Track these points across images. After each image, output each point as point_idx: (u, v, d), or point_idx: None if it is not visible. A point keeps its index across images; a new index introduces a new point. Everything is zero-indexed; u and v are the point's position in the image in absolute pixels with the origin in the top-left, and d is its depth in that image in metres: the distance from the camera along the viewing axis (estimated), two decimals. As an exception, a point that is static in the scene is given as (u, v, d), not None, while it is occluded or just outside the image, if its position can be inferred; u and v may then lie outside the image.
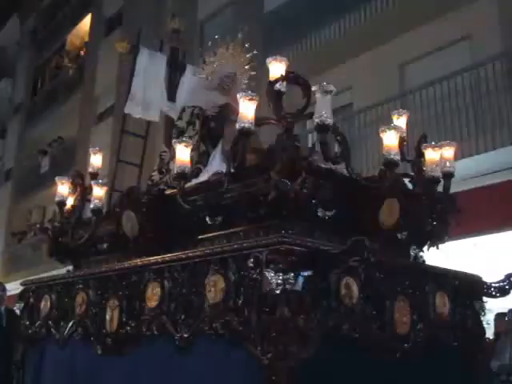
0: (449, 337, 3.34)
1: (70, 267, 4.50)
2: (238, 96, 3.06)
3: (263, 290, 2.62)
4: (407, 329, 3.09)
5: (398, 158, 3.07)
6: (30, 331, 4.18)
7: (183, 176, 3.32)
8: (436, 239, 3.64)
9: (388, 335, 2.98)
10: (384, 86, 9.42)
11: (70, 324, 3.80)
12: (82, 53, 20.20)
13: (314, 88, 2.99)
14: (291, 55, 9.12)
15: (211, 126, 4.17)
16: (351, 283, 2.85)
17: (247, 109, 3.02)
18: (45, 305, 4.08)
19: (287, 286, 2.56)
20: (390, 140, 3.09)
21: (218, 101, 4.24)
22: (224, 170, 3.74)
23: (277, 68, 3.26)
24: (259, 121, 3.11)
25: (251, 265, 2.71)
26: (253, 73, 4.49)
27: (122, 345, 3.38)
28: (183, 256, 3.07)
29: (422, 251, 3.59)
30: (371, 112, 9.04)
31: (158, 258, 3.24)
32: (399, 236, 3.43)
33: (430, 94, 8.47)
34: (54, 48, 21.71)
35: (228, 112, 4.13)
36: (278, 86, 3.18)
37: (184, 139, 3.42)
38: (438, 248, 3.69)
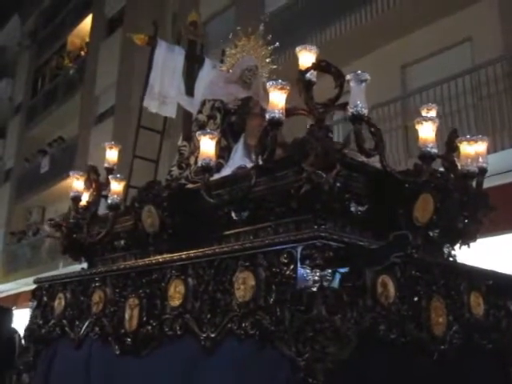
0: (483, 338, 3.20)
1: (84, 265, 4.35)
2: (268, 85, 2.92)
3: (298, 287, 2.49)
4: (443, 330, 2.96)
5: (435, 150, 2.94)
6: (42, 331, 4.03)
7: (208, 169, 3.18)
8: (467, 237, 3.50)
9: (425, 336, 2.85)
10: (386, 87, 9.32)
11: (86, 323, 3.66)
12: (82, 53, 20.15)
13: (348, 77, 2.86)
14: (292, 56, 9.04)
15: (232, 120, 4.03)
16: (387, 281, 2.72)
17: (277, 98, 2.88)
18: (59, 303, 3.93)
19: (324, 284, 2.43)
20: (426, 132, 2.96)
21: (239, 94, 4.11)
22: (247, 165, 3.64)
23: (306, 57, 3.13)
24: (289, 111, 2.96)
25: (284, 261, 2.58)
26: (274, 66, 4.36)
27: (141, 345, 3.24)
28: (210, 252, 2.93)
29: (454, 249, 3.46)
30: (372, 113, 8.93)
31: (182, 254, 3.10)
32: (431, 233, 3.30)
33: (430, 95, 8.37)
34: (54, 48, 21.71)
35: (250, 105, 4.01)
36: (308, 75, 3.05)
37: (209, 131, 3.27)
38: (469, 247, 3.56)
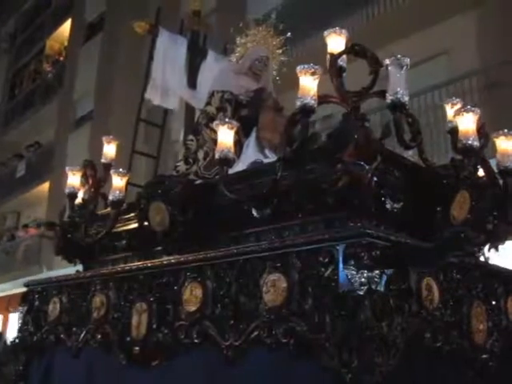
0: (520, 347, 2.99)
1: (77, 267, 4.04)
2: (298, 70, 2.67)
3: (341, 290, 2.23)
4: (484, 337, 2.74)
5: (476, 143, 2.71)
6: (34, 338, 3.71)
7: (226, 162, 2.92)
8: (497, 239, 3.29)
9: (466, 344, 2.62)
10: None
11: (86, 330, 3.36)
12: (61, 58, 19.76)
13: (387, 61, 2.63)
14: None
15: (243, 114, 3.76)
16: (432, 284, 2.49)
17: (309, 84, 2.64)
18: (53, 308, 3.62)
19: (373, 286, 2.18)
20: (467, 124, 2.74)
21: (249, 86, 3.86)
22: (262, 160, 3.40)
23: (336, 42, 2.90)
24: (320, 99, 2.71)
25: (323, 261, 2.32)
26: (284, 58, 4.11)
27: (151, 354, 2.95)
28: (234, 251, 2.66)
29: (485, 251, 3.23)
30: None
31: (200, 254, 2.83)
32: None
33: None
34: (33, 52, 21.35)
35: (263, 98, 3.75)
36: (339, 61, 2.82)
37: (227, 120, 3.01)
38: (497, 249, 3.35)
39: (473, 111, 2.77)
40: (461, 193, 2.78)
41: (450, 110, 3.43)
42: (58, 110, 18.14)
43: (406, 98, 2.57)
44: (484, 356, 2.70)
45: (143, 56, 13.44)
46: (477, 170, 3.19)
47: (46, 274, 12.14)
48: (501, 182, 3.24)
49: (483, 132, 3.24)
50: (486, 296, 2.85)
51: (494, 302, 2.90)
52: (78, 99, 17.38)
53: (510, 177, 2.98)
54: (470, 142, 2.70)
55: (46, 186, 17.58)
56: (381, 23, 9.15)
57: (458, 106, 3.42)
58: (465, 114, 2.75)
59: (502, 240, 3.30)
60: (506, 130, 3.06)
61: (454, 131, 3.35)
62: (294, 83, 2.70)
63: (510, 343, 2.91)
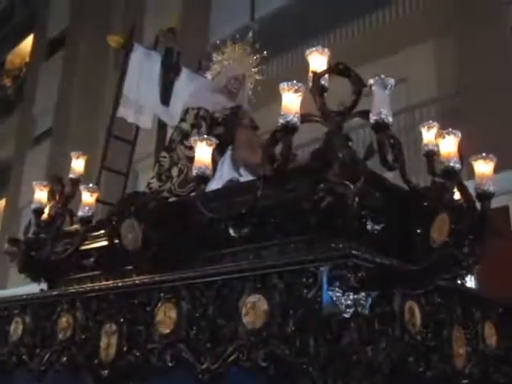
0: (497, 372, 2.97)
1: (42, 286, 3.89)
2: (281, 87, 2.62)
3: (325, 312, 2.17)
4: (463, 362, 2.71)
5: (458, 166, 2.71)
6: (-6, 360, 3.54)
7: (203, 179, 2.84)
8: (474, 263, 3.28)
9: (449, 369, 2.58)
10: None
11: (50, 352, 3.21)
12: (21, 73, 19.50)
13: (370, 81, 2.60)
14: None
15: (217, 132, 3.69)
16: (414, 307, 2.45)
17: (292, 101, 2.59)
18: (15, 328, 3.45)
19: (358, 309, 2.13)
20: (449, 146, 2.73)
21: (225, 104, 3.80)
22: (238, 178, 3.34)
23: (318, 61, 2.87)
24: (302, 118, 2.67)
25: (306, 282, 2.25)
26: (259, 77, 4.07)
27: (121, 377, 2.83)
28: (212, 271, 2.57)
29: (465, 275, 3.22)
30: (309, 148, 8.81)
31: (175, 274, 2.73)
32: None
33: (366, 133, 8.33)
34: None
35: (239, 116, 3.70)
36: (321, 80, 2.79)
37: (206, 136, 2.94)
38: (473, 273, 3.34)
39: (454, 134, 2.76)
40: (440, 215, 2.76)
41: (425, 133, 3.42)
42: (17, 126, 17.84)
43: (390, 119, 2.54)
44: (464, 381, 2.67)
45: (104, 73, 13.40)
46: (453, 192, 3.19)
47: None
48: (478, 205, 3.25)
49: (460, 155, 3.25)
50: (465, 320, 2.83)
51: (472, 327, 2.87)
52: (38, 116, 17.13)
53: (488, 200, 2.98)
54: (451, 165, 2.69)
55: (1, 203, 17.23)
56: (337, 50, 9.24)
57: (435, 129, 3.42)
58: (446, 136, 2.74)
59: (478, 264, 3.30)
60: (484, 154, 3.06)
61: (430, 154, 3.36)
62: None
63: (486, 368, 2.89)
